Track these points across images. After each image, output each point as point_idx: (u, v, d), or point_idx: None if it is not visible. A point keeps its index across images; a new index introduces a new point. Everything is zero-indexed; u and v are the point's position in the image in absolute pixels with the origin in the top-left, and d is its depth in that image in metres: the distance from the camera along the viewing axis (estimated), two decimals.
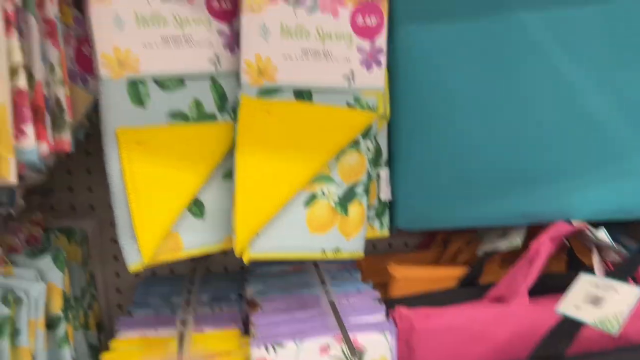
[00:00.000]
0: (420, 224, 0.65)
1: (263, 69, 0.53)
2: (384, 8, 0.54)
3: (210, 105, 0.55)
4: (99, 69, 0.52)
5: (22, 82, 0.41)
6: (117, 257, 0.79)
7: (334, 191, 0.56)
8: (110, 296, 0.79)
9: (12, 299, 0.50)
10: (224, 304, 0.69)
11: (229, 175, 0.56)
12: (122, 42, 0.52)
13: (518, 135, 0.61)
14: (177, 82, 0.54)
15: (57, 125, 0.47)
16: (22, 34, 0.42)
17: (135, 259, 0.54)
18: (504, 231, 0.70)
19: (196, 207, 0.56)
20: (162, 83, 0.53)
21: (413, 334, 0.58)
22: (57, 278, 0.57)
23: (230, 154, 0.56)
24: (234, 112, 0.55)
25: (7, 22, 0.39)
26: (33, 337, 0.52)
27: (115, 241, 0.78)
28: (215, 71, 0.54)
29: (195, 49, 0.53)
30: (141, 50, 0.52)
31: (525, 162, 0.62)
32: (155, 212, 0.54)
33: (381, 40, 0.55)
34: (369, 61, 0.55)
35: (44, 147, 0.46)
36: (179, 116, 0.54)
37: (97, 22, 0.51)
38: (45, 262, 0.57)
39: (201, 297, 0.69)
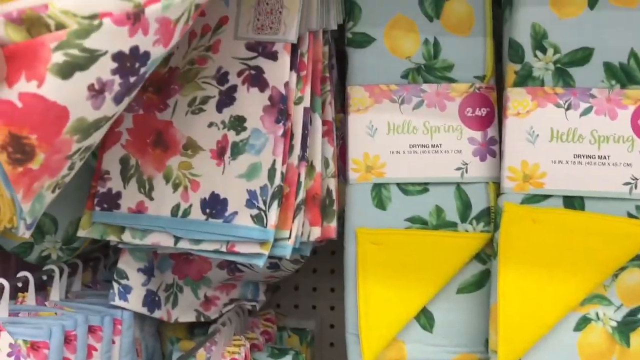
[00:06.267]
0: None
1: (529, 175, 0.50)
2: None
3: (452, 213, 0.54)
4: (348, 172, 0.55)
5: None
6: None
7: (611, 315, 0.48)
8: None
9: None
10: None
11: (463, 289, 0.54)
12: (372, 149, 0.54)
13: None
14: (421, 188, 0.54)
15: (326, 214, 0.50)
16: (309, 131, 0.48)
17: None
18: None
19: (425, 319, 0.54)
20: (405, 188, 0.54)
21: None
22: None
23: (467, 267, 0.53)
24: (477, 222, 0.53)
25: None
26: None
27: (332, 345, 0.77)
28: (461, 179, 0.53)
29: (443, 157, 0.53)
30: (388, 157, 0.54)
31: None
32: (382, 316, 0.53)
33: None
34: None
35: (317, 232, 0.49)
36: (418, 221, 0.54)
37: (352, 129, 0.55)
38: None
39: None
